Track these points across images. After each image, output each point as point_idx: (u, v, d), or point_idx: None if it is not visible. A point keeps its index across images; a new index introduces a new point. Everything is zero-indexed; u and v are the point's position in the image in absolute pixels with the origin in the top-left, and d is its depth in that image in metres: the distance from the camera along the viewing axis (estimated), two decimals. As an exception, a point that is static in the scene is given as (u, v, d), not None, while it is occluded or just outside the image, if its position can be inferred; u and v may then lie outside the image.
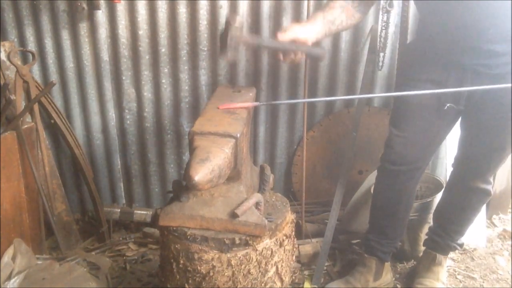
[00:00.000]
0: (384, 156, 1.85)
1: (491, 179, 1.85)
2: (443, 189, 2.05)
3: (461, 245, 2.05)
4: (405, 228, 2.03)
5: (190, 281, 1.42)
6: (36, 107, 2.13)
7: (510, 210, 2.73)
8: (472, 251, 2.33)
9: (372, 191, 2.00)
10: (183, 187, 1.49)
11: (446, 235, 1.99)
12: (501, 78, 1.55)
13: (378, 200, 1.96)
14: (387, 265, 2.02)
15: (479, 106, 1.65)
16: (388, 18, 2.19)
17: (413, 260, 2.23)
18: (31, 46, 2.24)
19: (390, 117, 1.87)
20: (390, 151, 1.83)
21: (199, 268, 1.38)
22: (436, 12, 1.60)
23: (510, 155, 1.80)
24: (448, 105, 1.66)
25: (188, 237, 1.39)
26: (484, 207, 2.37)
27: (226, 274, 1.39)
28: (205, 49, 2.29)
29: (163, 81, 2.34)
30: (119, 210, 2.44)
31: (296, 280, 2.06)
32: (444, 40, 1.60)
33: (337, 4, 1.61)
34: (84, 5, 2.15)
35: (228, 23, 1.43)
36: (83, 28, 2.22)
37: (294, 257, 1.65)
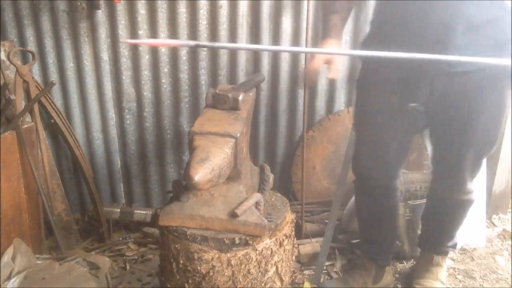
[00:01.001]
0: (353, 168, 1.84)
1: (471, 187, 1.74)
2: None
3: (454, 246, 1.99)
4: (397, 232, 2.01)
5: (190, 281, 1.42)
6: (36, 107, 2.13)
7: (510, 210, 2.73)
8: (472, 251, 2.34)
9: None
10: (183, 187, 1.49)
11: (435, 239, 1.96)
12: (464, 75, 1.44)
13: (360, 214, 1.96)
14: (388, 268, 2.01)
15: (442, 106, 1.53)
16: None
17: (412, 260, 2.23)
18: (31, 46, 2.24)
19: (352, 124, 1.82)
20: (357, 163, 1.81)
21: (199, 268, 1.38)
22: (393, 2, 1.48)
23: (485, 160, 1.70)
24: (411, 105, 1.55)
25: (188, 237, 1.39)
26: (484, 207, 2.38)
27: (226, 274, 1.39)
28: (205, 49, 2.29)
29: (163, 81, 2.34)
30: (119, 210, 2.44)
31: (296, 280, 2.06)
32: (403, 34, 1.45)
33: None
34: (84, 5, 2.15)
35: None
36: (83, 28, 2.22)
37: (294, 257, 1.65)
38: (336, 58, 1.46)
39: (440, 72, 1.46)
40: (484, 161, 1.72)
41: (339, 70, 1.57)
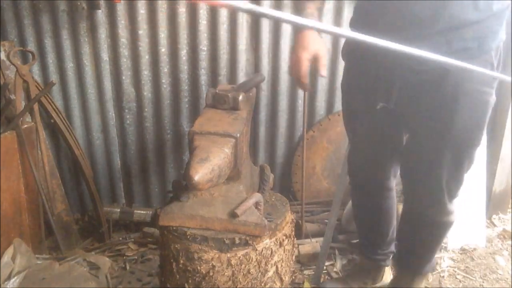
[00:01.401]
0: (348, 171, 1.83)
1: (452, 207, 1.58)
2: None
3: (432, 269, 1.89)
4: (395, 232, 1.91)
5: (190, 281, 1.42)
6: (36, 106, 2.13)
7: (509, 210, 2.73)
8: (472, 251, 2.34)
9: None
10: (183, 187, 1.49)
11: (410, 261, 1.83)
12: (437, 72, 1.32)
13: (357, 215, 1.94)
14: (387, 268, 2.01)
15: (414, 106, 1.43)
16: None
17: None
18: (31, 45, 2.24)
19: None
20: (349, 164, 1.80)
21: (199, 268, 1.38)
22: None
23: (467, 172, 1.52)
24: (380, 104, 1.47)
25: (188, 237, 1.39)
26: (484, 207, 2.38)
27: (226, 274, 1.38)
28: (205, 49, 2.29)
29: (163, 81, 2.34)
30: (119, 210, 2.44)
31: (296, 280, 2.06)
32: (382, 24, 1.35)
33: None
34: (84, 5, 2.15)
35: None
36: (83, 28, 2.22)
37: (294, 257, 1.65)
38: (322, 53, 1.39)
39: (410, 69, 1.36)
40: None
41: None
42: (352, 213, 1.97)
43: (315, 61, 1.39)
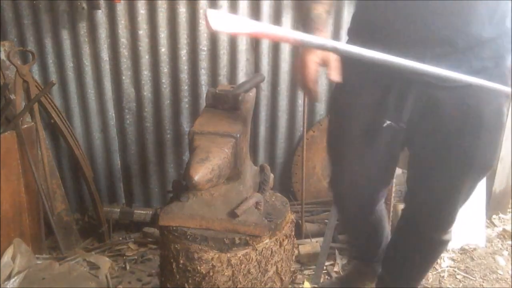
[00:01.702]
0: (333, 197, 1.66)
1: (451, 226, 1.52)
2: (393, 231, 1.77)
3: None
4: (389, 234, 1.84)
5: (190, 281, 1.41)
6: (36, 106, 2.13)
7: (509, 210, 2.73)
8: (472, 251, 2.34)
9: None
10: (183, 187, 1.49)
11: (398, 283, 1.71)
12: (455, 89, 1.23)
13: (347, 232, 1.87)
14: None
15: (428, 124, 1.32)
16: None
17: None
18: (31, 45, 2.24)
19: (326, 149, 1.58)
20: (335, 192, 1.61)
21: (199, 268, 1.38)
22: None
23: (471, 195, 1.44)
24: (387, 122, 1.34)
25: (188, 237, 1.38)
26: (484, 207, 2.38)
27: (226, 273, 1.38)
28: (205, 49, 2.29)
29: (163, 81, 2.34)
30: (118, 210, 2.44)
31: (296, 280, 2.06)
32: (386, 36, 1.25)
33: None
34: (84, 5, 2.15)
35: None
36: (83, 28, 2.22)
37: (294, 257, 1.65)
38: (332, 55, 1.21)
39: (428, 84, 1.25)
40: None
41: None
42: (340, 225, 1.91)
43: (324, 64, 1.24)
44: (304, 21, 1.32)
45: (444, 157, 1.33)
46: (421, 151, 1.40)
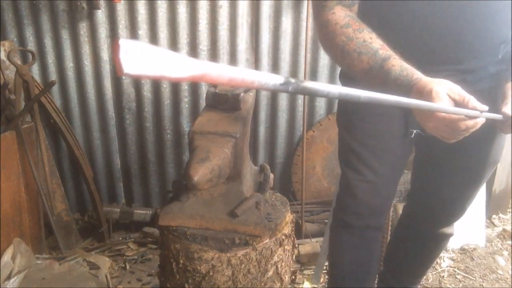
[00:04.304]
0: (345, 209, 1.46)
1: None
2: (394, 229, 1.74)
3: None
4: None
5: (190, 280, 1.42)
6: (36, 106, 2.13)
7: (509, 210, 2.73)
8: (472, 251, 2.34)
9: (328, 255, 1.66)
10: (183, 186, 1.49)
11: (401, 279, 1.70)
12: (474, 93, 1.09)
13: (339, 270, 1.58)
14: None
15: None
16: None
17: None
18: (31, 45, 2.24)
19: (340, 157, 1.48)
20: (353, 201, 1.43)
21: (199, 267, 1.38)
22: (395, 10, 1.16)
23: (477, 192, 1.47)
24: (415, 131, 1.30)
25: (188, 236, 1.39)
26: (484, 207, 2.38)
27: (226, 273, 1.38)
28: (205, 49, 2.29)
29: (163, 81, 2.34)
30: (118, 209, 2.44)
31: (296, 280, 2.07)
32: (406, 41, 1.17)
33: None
34: (84, 5, 2.14)
35: None
36: (83, 27, 2.22)
37: (294, 257, 1.65)
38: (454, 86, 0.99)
39: (464, 81, 1.17)
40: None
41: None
42: (329, 260, 1.66)
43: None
44: (388, 87, 1.05)
45: (455, 154, 1.33)
46: (430, 150, 1.41)
